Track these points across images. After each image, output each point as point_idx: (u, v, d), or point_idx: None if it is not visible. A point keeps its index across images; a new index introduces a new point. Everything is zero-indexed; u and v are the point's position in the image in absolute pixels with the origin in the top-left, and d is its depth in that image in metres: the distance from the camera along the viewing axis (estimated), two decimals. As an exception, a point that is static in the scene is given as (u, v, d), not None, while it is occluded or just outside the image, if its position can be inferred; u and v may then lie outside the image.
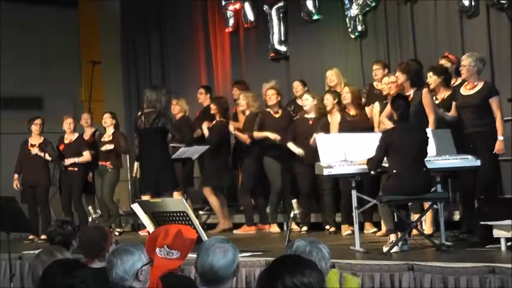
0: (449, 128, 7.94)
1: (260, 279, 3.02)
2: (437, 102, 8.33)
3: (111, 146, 10.90)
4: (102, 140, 11.12)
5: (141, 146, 9.68)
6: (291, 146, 9.60)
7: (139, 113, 9.70)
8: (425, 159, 7.26)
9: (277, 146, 9.84)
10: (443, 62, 8.93)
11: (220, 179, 10.45)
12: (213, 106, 10.52)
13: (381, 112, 8.69)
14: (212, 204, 10.45)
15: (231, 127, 10.28)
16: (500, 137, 7.65)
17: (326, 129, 9.23)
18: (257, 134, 10.00)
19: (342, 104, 9.31)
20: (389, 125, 8.10)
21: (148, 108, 9.45)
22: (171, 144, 10.21)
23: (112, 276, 4.06)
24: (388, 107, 8.18)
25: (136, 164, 10.85)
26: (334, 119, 9.29)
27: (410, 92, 8.18)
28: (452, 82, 8.62)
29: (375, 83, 9.66)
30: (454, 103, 8.09)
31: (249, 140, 10.14)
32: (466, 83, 7.94)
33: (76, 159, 10.89)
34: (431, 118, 8.02)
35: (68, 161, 10.88)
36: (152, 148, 9.43)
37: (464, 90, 7.91)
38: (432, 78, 8.41)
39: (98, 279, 3.89)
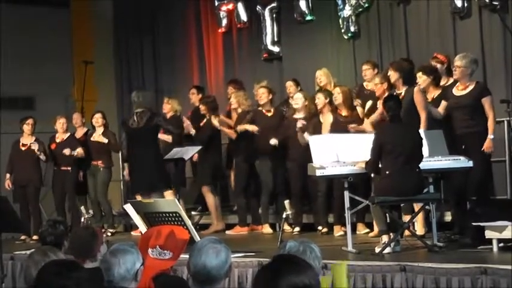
0: (442, 129, 7.96)
1: (260, 277, 3.00)
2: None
3: (105, 140, 10.90)
4: (92, 139, 11.13)
5: (133, 146, 9.71)
6: (272, 141, 9.66)
7: (131, 114, 9.75)
8: (420, 161, 7.28)
9: (270, 146, 9.84)
10: (433, 63, 8.95)
11: (215, 176, 10.46)
12: (202, 107, 10.54)
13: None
14: (209, 203, 10.43)
15: (215, 121, 10.23)
16: (490, 136, 7.67)
17: (317, 129, 9.23)
18: (239, 128, 10.02)
19: (333, 104, 9.32)
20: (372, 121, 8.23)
21: (140, 108, 9.46)
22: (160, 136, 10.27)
23: (113, 275, 4.04)
24: (380, 109, 8.20)
25: (127, 165, 10.85)
26: (326, 119, 9.28)
27: (402, 91, 8.19)
28: (443, 82, 8.65)
29: (365, 83, 9.68)
30: (443, 102, 8.10)
31: (234, 135, 10.15)
32: (458, 83, 7.96)
33: (75, 152, 10.82)
34: (423, 116, 8.04)
35: (67, 151, 10.82)
36: (144, 147, 9.42)
37: (457, 91, 7.93)
38: (422, 78, 8.44)
39: (91, 280, 3.87)
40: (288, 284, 2.88)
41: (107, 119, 11.36)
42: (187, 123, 10.48)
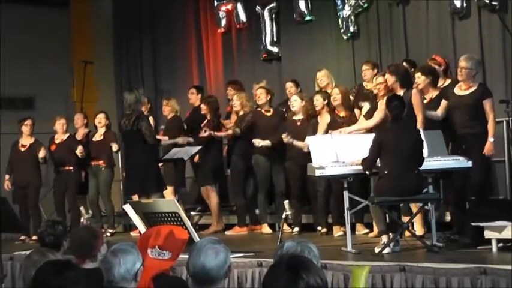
0: (441, 129, 7.96)
1: (277, 277, 3.01)
2: (425, 102, 8.35)
3: (116, 147, 10.86)
4: (94, 139, 11.12)
5: (125, 148, 9.73)
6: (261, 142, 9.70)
7: (122, 115, 9.76)
8: (420, 163, 7.27)
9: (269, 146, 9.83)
10: (431, 64, 8.96)
11: (216, 177, 10.45)
12: (203, 106, 10.52)
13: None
14: (213, 203, 10.41)
15: (205, 133, 10.22)
16: (490, 139, 7.67)
17: (316, 130, 9.24)
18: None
19: (331, 105, 9.33)
20: (365, 124, 8.27)
21: (129, 110, 9.41)
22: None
23: (113, 275, 4.04)
24: (382, 107, 8.19)
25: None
26: (324, 119, 9.30)
27: (400, 93, 8.19)
28: (440, 84, 8.65)
29: (364, 83, 9.69)
30: (443, 101, 8.11)
31: (230, 134, 10.14)
32: (460, 83, 7.97)
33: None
34: (419, 118, 8.04)
35: (79, 149, 10.82)
36: (134, 149, 9.39)
37: (459, 91, 7.93)
38: (421, 79, 8.45)
39: (90, 280, 3.87)
40: (307, 284, 2.95)
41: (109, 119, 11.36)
42: (184, 139, 10.47)
